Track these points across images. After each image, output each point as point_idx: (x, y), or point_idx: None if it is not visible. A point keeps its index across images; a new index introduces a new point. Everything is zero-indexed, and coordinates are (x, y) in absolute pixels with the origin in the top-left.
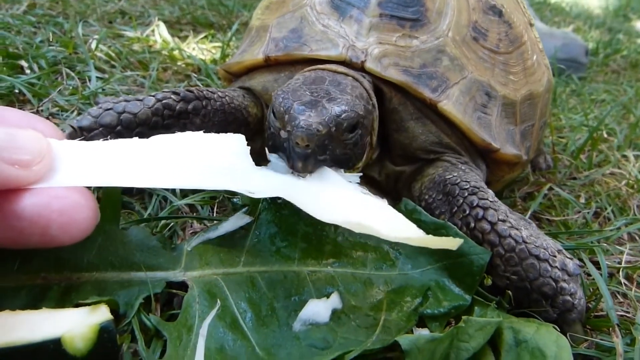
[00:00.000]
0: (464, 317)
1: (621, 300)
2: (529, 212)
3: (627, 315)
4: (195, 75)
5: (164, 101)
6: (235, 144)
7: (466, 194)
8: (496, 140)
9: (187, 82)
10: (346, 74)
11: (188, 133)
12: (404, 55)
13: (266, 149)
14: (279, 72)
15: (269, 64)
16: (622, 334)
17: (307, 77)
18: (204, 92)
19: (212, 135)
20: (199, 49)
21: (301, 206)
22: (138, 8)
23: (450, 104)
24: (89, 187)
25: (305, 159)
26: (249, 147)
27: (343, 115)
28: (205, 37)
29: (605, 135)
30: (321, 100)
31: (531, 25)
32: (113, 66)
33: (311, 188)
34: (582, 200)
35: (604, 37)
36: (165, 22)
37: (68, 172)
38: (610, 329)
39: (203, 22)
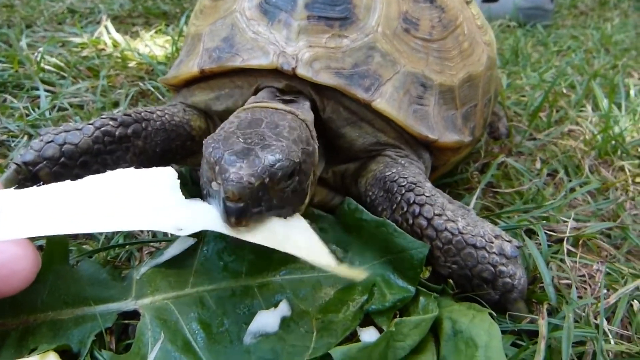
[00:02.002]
0: (396, 320)
1: (571, 264)
2: (480, 186)
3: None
4: (147, 79)
5: (102, 128)
6: (165, 177)
7: (403, 191)
8: (434, 131)
9: (139, 87)
10: (285, 112)
11: (119, 171)
12: (334, 56)
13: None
14: (219, 89)
15: (206, 76)
16: (559, 309)
17: (243, 119)
18: (142, 114)
19: (142, 171)
20: (153, 44)
21: (227, 233)
22: (87, 4)
23: (384, 102)
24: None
25: (239, 213)
26: (179, 181)
27: (277, 165)
28: (158, 30)
29: (565, 91)
30: (254, 148)
31: (467, 2)
32: (63, 77)
33: None
34: (538, 165)
35: None
36: (115, 17)
37: (3, 226)
38: (539, 311)
39: (155, 12)
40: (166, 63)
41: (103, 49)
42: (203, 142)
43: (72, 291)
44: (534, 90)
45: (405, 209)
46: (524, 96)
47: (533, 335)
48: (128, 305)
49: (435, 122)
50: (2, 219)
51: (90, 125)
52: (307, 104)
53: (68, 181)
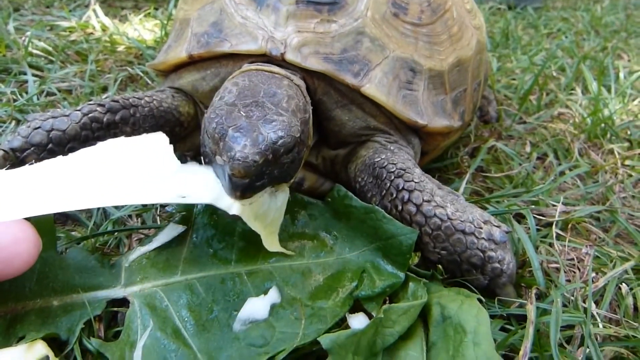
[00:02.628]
0: (384, 307)
1: (560, 248)
2: (470, 171)
3: (564, 265)
4: (136, 63)
5: (90, 115)
6: (157, 143)
7: (392, 177)
8: (423, 116)
9: (128, 72)
10: (281, 76)
11: (110, 141)
12: (323, 42)
13: (202, 158)
14: (205, 69)
15: (194, 61)
16: (548, 293)
17: (242, 87)
18: (130, 100)
19: (133, 138)
20: (142, 28)
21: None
22: None
23: (374, 87)
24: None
25: (244, 189)
26: (171, 146)
27: (280, 142)
28: (147, 14)
29: (555, 74)
30: (257, 124)
31: None
32: (51, 61)
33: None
34: (528, 148)
35: None
36: (104, 1)
37: (1, 208)
38: (528, 296)
39: None
40: (155, 47)
41: (91, 33)
42: (205, 116)
43: (61, 279)
44: (524, 73)
45: (394, 195)
46: (514, 79)
47: (522, 319)
48: (117, 292)
49: (424, 107)
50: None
51: (77, 112)
52: (298, 76)
53: (60, 157)
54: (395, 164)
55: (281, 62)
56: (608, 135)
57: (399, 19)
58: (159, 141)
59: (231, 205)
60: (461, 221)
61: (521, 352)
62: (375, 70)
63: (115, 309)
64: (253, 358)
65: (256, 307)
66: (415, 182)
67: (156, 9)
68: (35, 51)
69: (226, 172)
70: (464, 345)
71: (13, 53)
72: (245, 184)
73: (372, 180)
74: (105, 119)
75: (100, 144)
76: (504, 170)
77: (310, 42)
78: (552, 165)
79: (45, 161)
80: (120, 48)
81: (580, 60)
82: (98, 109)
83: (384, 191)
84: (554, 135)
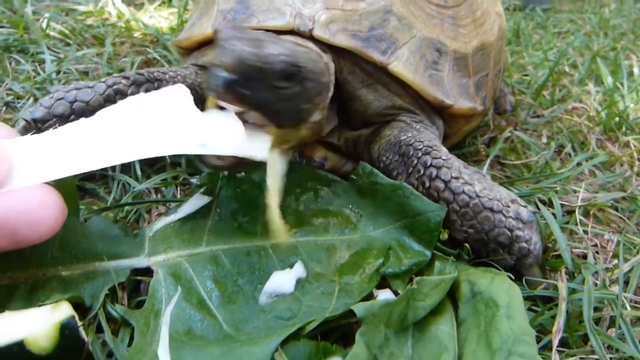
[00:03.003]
0: (416, 278)
1: (581, 236)
2: (489, 158)
3: (585, 251)
4: (152, 48)
5: (114, 87)
6: (177, 96)
7: (420, 154)
8: (449, 97)
9: (145, 56)
10: (307, 48)
11: (130, 98)
12: (351, 19)
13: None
14: None
15: None
16: (574, 275)
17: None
18: (155, 74)
19: (153, 93)
20: (157, 16)
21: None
22: None
23: (401, 65)
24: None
25: (225, 83)
26: (192, 96)
27: (279, 58)
28: (162, 3)
29: (567, 70)
30: (267, 40)
31: None
32: (68, 44)
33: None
34: (544, 140)
35: None
36: None
37: (25, 172)
38: (558, 274)
39: None
40: (171, 34)
41: (107, 19)
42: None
43: (83, 246)
44: (537, 69)
45: (421, 172)
46: (526, 75)
47: (548, 301)
48: (141, 261)
49: (450, 88)
50: (23, 166)
51: (102, 83)
52: (329, 56)
53: (83, 119)
54: (422, 141)
55: (308, 39)
56: (623, 129)
57: None
58: (179, 93)
59: (257, 149)
60: (489, 199)
61: (554, 328)
62: (402, 49)
63: (139, 277)
64: (281, 329)
65: (282, 280)
66: (443, 160)
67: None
68: (52, 33)
69: (215, 67)
70: (497, 319)
71: (30, 34)
72: (228, 79)
73: (398, 159)
74: (129, 92)
75: (120, 102)
76: (521, 159)
77: (339, 19)
78: (569, 156)
79: (68, 124)
80: (136, 34)
81: (595, 55)
82: (123, 81)
83: (411, 168)
84: (569, 128)
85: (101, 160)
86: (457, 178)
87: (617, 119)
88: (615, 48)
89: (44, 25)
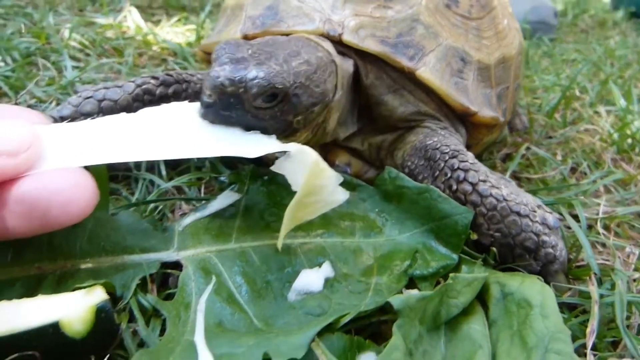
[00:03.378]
0: (451, 275)
1: (600, 250)
2: (508, 172)
3: (607, 263)
4: (172, 59)
5: (143, 86)
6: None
7: (447, 158)
8: (474, 104)
9: (164, 67)
10: (320, 47)
11: (173, 104)
12: (380, 25)
13: None
14: None
15: None
16: (600, 282)
17: (275, 40)
18: (184, 75)
19: (193, 104)
20: (173, 32)
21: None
22: None
23: (428, 71)
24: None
25: (207, 107)
26: None
27: (255, 81)
28: (179, 20)
29: (578, 94)
30: (250, 62)
31: None
32: (88, 55)
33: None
34: (559, 158)
35: None
36: (136, 7)
37: (57, 155)
38: (588, 278)
39: (175, 5)
40: (190, 49)
41: (125, 32)
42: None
43: (112, 239)
44: (548, 92)
45: (448, 175)
46: (537, 98)
47: (573, 308)
48: (170, 256)
49: (474, 97)
50: (55, 150)
51: (131, 83)
52: (350, 61)
53: (123, 113)
54: (448, 145)
55: (337, 44)
56: (637, 150)
57: (450, 10)
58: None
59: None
60: (516, 203)
61: (588, 330)
62: (429, 56)
63: (169, 270)
64: (312, 324)
65: (311, 278)
66: (471, 163)
67: (186, 18)
68: (73, 43)
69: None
70: (531, 318)
71: (52, 44)
72: (209, 103)
73: (424, 163)
74: (158, 92)
75: (161, 106)
76: (538, 174)
77: (367, 25)
78: (584, 175)
79: (106, 117)
80: (155, 47)
81: (607, 79)
82: (152, 81)
83: (437, 172)
84: (583, 148)
85: (133, 154)
86: (484, 181)
87: (629, 140)
88: (623, 76)
89: (66, 35)
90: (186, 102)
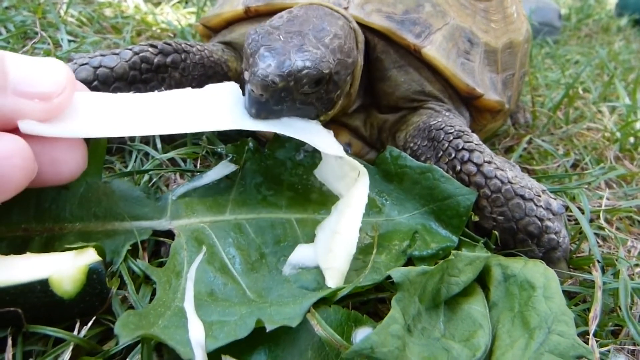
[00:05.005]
0: (453, 252)
1: (601, 243)
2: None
3: (608, 255)
4: (171, 38)
5: (141, 54)
6: (229, 90)
7: (451, 138)
8: (479, 86)
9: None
10: (340, 15)
11: (187, 89)
12: (386, 1)
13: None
14: (260, 22)
15: (250, 16)
16: (603, 270)
17: (294, 15)
18: (183, 45)
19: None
20: (173, 14)
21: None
22: None
23: (434, 49)
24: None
25: (259, 106)
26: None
27: (304, 72)
28: (179, 2)
29: (581, 92)
30: (290, 50)
31: None
32: (85, 31)
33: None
34: (561, 152)
35: (576, 3)
36: None
37: (81, 122)
38: (591, 265)
39: None
40: (189, 31)
41: (124, 11)
42: (247, 32)
43: (104, 205)
44: (550, 90)
45: (453, 155)
46: (539, 96)
47: (573, 297)
48: (162, 224)
49: (480, 79)
50: (78, 117)
51: (128, 50)
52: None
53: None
54: (453, 126)
55: None
56: (639, 149)
57: None
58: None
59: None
60: (521, 186)
61: (591, 314)
62: (436, 34)
63: (161, 238)
64: (308, 297)
65: (307, 253)
66: (476, 144)
67: (186, 2)
68: (70, 19)
69: (248, 87)
70: (534, 300)
71: (48, 19)
72: (260, 102)
73: (427, 143)
74: (155, 60)
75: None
76: (540, 167)
77: (373, 0)
78: (583, 169)
79: (119, 94)
80: (154, 28)
81: (611, 78)
82: (150, 49)
83: (441, 152)
84: (585, 144)
85: (137, 128)
86: (489, 162)
87: (632, 138)
88: (626, 79)
89: (63, 11)
90: (226, 83)
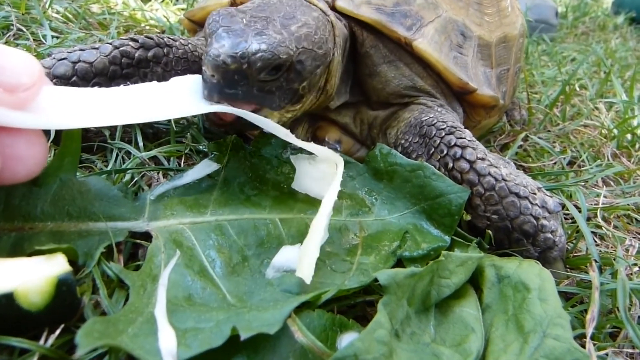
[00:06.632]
0: (443, 252)
1: (598, 242)
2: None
3: (606, 255)
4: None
5: (121, 48)
6: (193, 80)
7: (443, 134)
8: (473, 81)
9: None
10: (315, 7)
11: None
12: None
13: None
14: None
15: None
16: (601, 270)
17: (266, 2)
18: (165, 39)
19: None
20: (163, 11)
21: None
22: None
23: (426, 43)
24: None
25: (211, 88)
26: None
27: (258, 55)
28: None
29: (578, 89)
30: (249, 33)
31: None
32: (70, 27)
33: None
34: (557, 150)
35: (573, 1)
36: None
37: (43, 114)
38: (588, 264)
39: None
40: (178, 28)
41: (112, 8)
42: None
43: (78, 203)
44: (547, 87)
45: (444, 152)
46: (535, 93)
47: (571, 296)
48: (139, 225)
49: (474, 74)
50: (41, 109)
51: (108, 45)
52: (343, 21)
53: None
54: (445, 121)
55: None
56: (637, 146)
57: None
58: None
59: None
60: (516, 184)
61: (588, 316)
62: (427, 27)
63: (137, 240)
64: (289, 301)
65: (291, 255)
66: (469, 140)
67: None
68: (55, 15)
69: (203, 66)
70: (528, 302)
71: (32, 14)
72: (213, 83)
73: (418, 140)
74: (136, 55)
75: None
76: (536, 164)
77: None
78: (580, 166)
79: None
80: (142, 24)
81: (608, 74)
82: (131, 43)
83: (432, 149)
84: (582, 141)
85: (107, 118)
86: (482, 159)
87: (629, 135)
88: (623, 76)
89: (47, 5)
90: (190, 75)
